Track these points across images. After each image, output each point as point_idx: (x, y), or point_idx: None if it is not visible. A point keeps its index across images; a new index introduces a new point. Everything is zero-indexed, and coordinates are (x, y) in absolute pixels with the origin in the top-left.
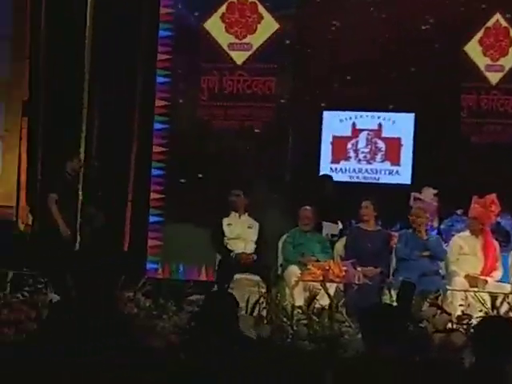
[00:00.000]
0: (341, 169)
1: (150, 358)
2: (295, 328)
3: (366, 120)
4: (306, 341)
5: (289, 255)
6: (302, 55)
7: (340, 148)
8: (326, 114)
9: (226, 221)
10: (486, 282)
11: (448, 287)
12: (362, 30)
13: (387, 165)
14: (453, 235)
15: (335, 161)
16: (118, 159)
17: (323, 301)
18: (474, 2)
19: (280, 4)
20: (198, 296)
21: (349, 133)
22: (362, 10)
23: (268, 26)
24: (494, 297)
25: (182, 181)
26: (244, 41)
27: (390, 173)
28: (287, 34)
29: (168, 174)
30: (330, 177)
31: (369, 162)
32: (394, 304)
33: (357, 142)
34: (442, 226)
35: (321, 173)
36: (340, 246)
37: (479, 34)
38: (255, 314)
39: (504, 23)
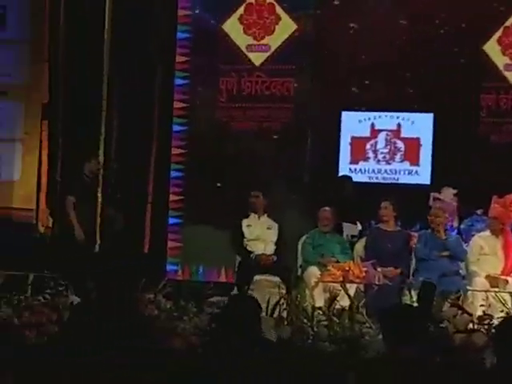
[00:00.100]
0: (360, 169)
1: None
2: (316, 329)
3: (385, 120)
4: (326, 342)
5: (308, 256)
6: (320, 56)
7: (359, 149)
8: (344, 114)
9: (245, 222)
10: (507, 281)
11: (468, 287)
12: (381, 31)
13: (406, 165)
14: (473, 235)
15: (354, 161)
16: (137, 161)
17: (343, 302)
18: (493, 1)
19: (298, 5)
20: (219, 297)
21: (368, 133)
22: (379, 11)
23: (286, 26)
24: None
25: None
26: (262, 42)
27: (410, 173)
28: (305, 35)
29: (187, 176)
30: (349, 177)
31: (388, 163)
32: (415, 304)
33: (376, 143)
34: (462, 226)
35: (340, 173)
36: (360, 246)
37: (498, 34)
38: (275, 315)
39: None
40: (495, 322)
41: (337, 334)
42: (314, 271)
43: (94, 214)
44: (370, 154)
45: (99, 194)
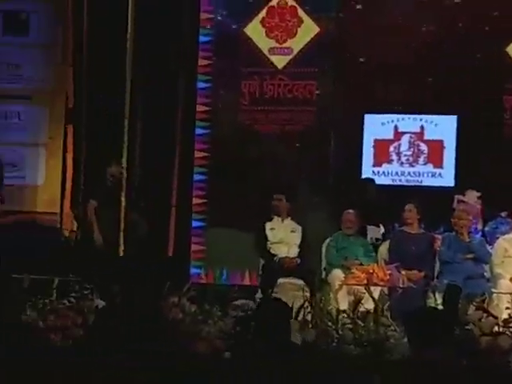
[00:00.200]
0: (383, 172)
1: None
2: (340, 332)
3: (408, 123)
4: (351, 345)
5: (332, 259)
6: (342, 59)
7: (382, 151)
8: (367, 117)
9: (268, 225)
10: None
11: (493, 290)
12: (404, 33)
13: (430, 167)
14: (497, 238)
15: (377, 164)
16: (161, 165)
17: (368, 305)
18: None
19: (320, 7)
20: (243, 301)
21: (391, 136)
22: (402, 13)
23: (308, 29)
24: None
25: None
26: (284, 45)
27: (433, 175)
28: (328, 38)
29: (210, 179)
30: (372, 180)
31: (411, 165)
32: (440, 307)
33: (399, 145)
34: (486, 229)
35: (363, 176)
36: (384, 249)
37: None
38: (300, 318)
39: None
40: None
41: (362, 337)
42: (337, 274)
43: (117, 218)
44: (394, 157)
45: (123, 198)
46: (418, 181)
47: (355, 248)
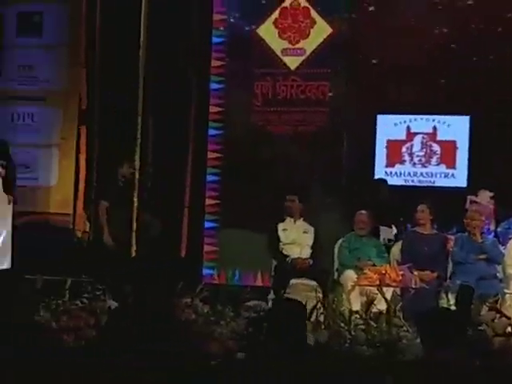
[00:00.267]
0: (396, 172)
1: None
2: (353, 333)
3: (421, 123)
4: (364, 346)
5: (345, 260)
6: (355, 59)
7: (395, 152)
8: (380, 117)
9: (281, 226)
10: None
11: (506, 291)
12: (416, 33)
13: (443, 168)
14: (510, 238)
15: (390, 164)
16: (174, 165)
17: (380, 305)
18: None
19: (332, 8)
20: (256, 302)
21: (403, 136)
22: (414, 14)
23: (321, 30)
24: None
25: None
26: (297, 46)
27: (446, 176)
28: (340, 39)
29: (223, 180)
30: (384, 181)
31: (424, 166)
32: (453, 308)
33: (412, 146)
34: (498, 229)
35: (376, 177)
36: (396, 250)
37: None
38: (313, 319)
39: None
40: None
41: (374, 338)
42: (350, 275)
43: (129, 219)
44: (406, 157)
45: (135, 199)
46: (430, 181)
47: (368, 249)
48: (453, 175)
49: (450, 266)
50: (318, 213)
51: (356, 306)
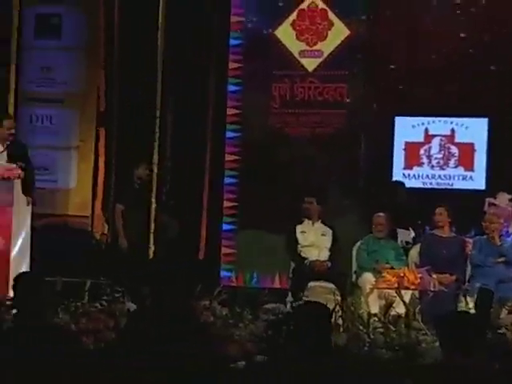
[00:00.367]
0: (414, 175)
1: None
2: (372, 336)
3: (439, 125)
4: (383, 349)
5: (363, 262)
6: (373, 61)
7: (413, 154)
8: (398, 119)
9: (299, 228)
10: None
11: None
12: (434, 35)
13: (461, 170)
14: None
15: (408, 167)
16: (192, 168)
17: (399, 308)
18: None
19: (350, 10)
20: (274, 304)
21: (421, 138)
22: (433, 15)
23: (338, 32)
24: None
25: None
26: (315, 48)
27: (464, 178)
28: (358, 41)
29: (240, 182)
30: (401, 183)
31: (442, 168)
32: (472, 311)
33: (430, 148)
34: None
35: (393, 179)
36: (414, 252)
37: None
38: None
39: None
40: None
41: (393, 341)
42: (368, 277)
43: (146, 221)
44: (424, 160)
45: (153, 200)
46: (448, 184)
47: (386, 251)
48: (471, 177)
49: (469, 268)
50: (336, 215)
51: (374, 309)
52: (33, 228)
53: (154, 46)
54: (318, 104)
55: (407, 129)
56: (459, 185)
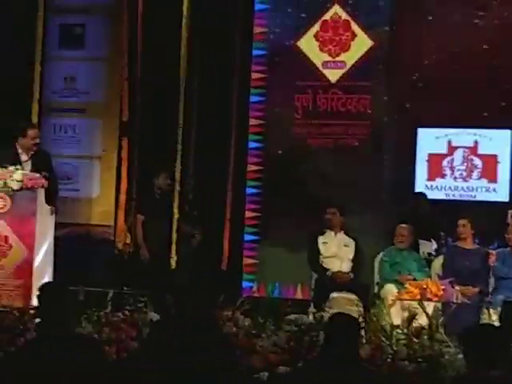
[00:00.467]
0: (436, 186)
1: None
2: (395, 348)
3: (462, 137)
4: (406, 361)
5: (386, 274)
6: (396, 72)
7: (436, 165)
8: (421, 131)
9: (321, 239)
10: None
11: None
12: (457, 47)
13: (484, 182)
14: None
15: (431, 178)
16: (215, 178)
17: (421, 320)
18: None
19: (373, 21)
20: (297, 315)
21: (444, 150)
22: (456, 27)
23: (362, 43)
24: None
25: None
26: (338, 59)
27: (487, 190)
28: (381, 51)
29: (263, 192)
30: (423, 194)
31: (465, 180)
32: (496, 324)
33: (453, 160)
34: None
35: (416, 190)
36: (437, 264)
37: None
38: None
39: None
40: None
41: (416, 353)
42: (391, 289)
43: (167, 231)
44: (447, 171)
45: (176, 211)
46: (471, 195)
47: (408, 263)
48: (494, 189)
49: (492, 281)
50: (359, 226)
51: (397, 321)
52: (56, 237)
53: (177, 56)
54: (340, 115)
55: (430, 140)
56: (482, 196)
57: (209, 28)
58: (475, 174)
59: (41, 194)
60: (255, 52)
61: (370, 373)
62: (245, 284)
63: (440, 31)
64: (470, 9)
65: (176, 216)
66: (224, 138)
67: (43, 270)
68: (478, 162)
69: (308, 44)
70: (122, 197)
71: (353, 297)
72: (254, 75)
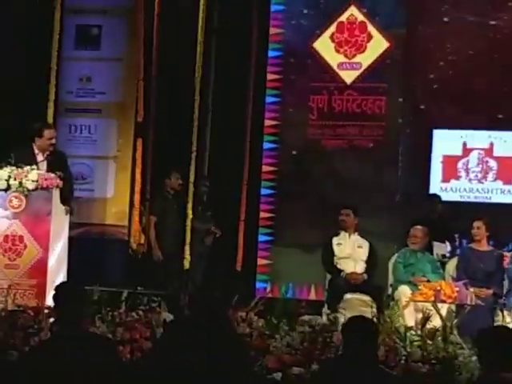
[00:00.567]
0: (451, 188)
1: None
2: (408, 349)
3: (477, 139)
4: (419, 362)
5: (400, 275)
6: (411, 73)
7: (450, 167)
8: (436, 132)
9: (335, 240)
10: None
11: None
12: (472, 49)
13: (499, 184)
14: None
15: (446, 180)
16: (229, 178)
17: (435, 322)
18: None
19: (389, 23)
20: (311, 316)
21: (459, 152)
22: (471, 29)
23: (377, 45)
24: None
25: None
26: (353, 60)
27: (502, 192)
28: (397, 53)
29: (277, 193)
30: (437, 196)
31: (480, 182)
32: (510, 326)
33: (468, 161)
34: None
35: (431, 192)
36: (451, 266)
37: None
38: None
39: None
40: None
41: (430, 355)
42: (405, 290)
43: (180, 232)
44: (462, 173)
45: (189, 211)
46: (486, 197)
47: (422, 264)
48: (509, 191)
49: (506, 282)
50: (373, 227)
51: (411, 322)
52: (70, 237)
53: (193, 58)
54: (355, 116)
55: (445, 142)
56: (497, 198)
57: (225, 29)
58: (490, 176)
59: (56, 194)
60: (271, 53)
61: (387, 376)
62: (258, 285)
63: (455, 33)
64: (486, 10)
65: (190, 217)
66: (239, 138)
67: (58, 270)
68: (493, 163)
69: (324, 45)
70: (137, 197)
71: (366, 298)
72: (270, 76)
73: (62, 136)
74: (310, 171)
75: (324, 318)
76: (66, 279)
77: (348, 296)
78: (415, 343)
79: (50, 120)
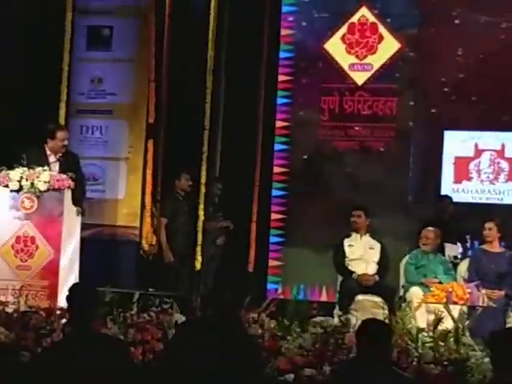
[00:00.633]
0: (463, 189)
1: None
2: (420, 351)
3: (489, 140)
4: (431, 364)
5: (411, 277)
6: (422, 75)
7: (462, 168)
8: (447, 134)
9: (347, 241)
10: None
11: None
12: (485, 50)
13: (511, 185)
14: None
15: (457, 181)
16: (240, 180)
17: (447, 323)
18: None
19: (401, 24)
20: (322, 317)
21: (471, 153)
22: (483, 31)
23: (389, 46)
24: None
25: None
26: (364, 61)
27: None
28: (408, 54)
29: (288, 195)
30: (449, 197)
31: (492, 183)
32: None
33: (479, 163)
34: None
35: (442, 193)
36: (463, 267)
37: None
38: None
39: None
40: None
41: (442, 356)
42: (416, 292)
43: (191, 233)
44: (474, 174)
45: (201, 212)
46: (498, 198)
47: (434, 266)
48: None
49: None
50: (384, 228)
51: (422, 324)
52: (82, 238)
53: (204, 59)
54: (367, 117)
55: (457, 143)
56: (509, 199)
57: (236, 30)
58: (502, 177)
59: (68, 195)
60: (282, 54)
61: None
62: (270, 286)
63: (467, 34)
64: (498, 12)
65: (201, 218)
66: (250, 139)
67: (69, 271)
68: (505, 164)
69: (335, 46)
70: (148, 198)
71: (378, 299)
72: (281, 77)
73: (73, 137)
74: (321, 172)
75: (336, 319)
76: (77, 280)
77: (359, 297)
78: (427, 345)
79: (62, 121)
